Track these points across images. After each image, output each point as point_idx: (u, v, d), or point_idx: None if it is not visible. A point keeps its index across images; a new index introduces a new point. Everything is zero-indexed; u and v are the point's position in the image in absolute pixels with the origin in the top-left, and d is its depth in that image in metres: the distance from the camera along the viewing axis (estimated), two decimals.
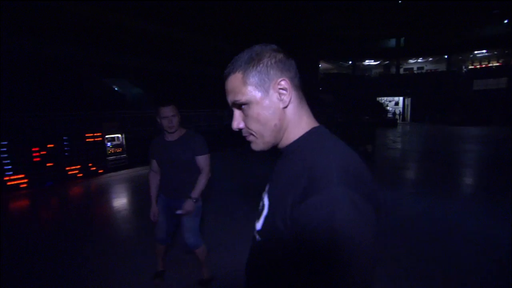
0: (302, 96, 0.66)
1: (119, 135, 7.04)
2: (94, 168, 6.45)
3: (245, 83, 0.62)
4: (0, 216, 4.10)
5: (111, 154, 6.85)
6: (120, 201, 4.92)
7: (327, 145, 0.59)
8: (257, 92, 0.61)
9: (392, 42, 30.45)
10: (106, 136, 6.76)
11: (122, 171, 6.81)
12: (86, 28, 12.40)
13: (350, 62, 32.52)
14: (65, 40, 11.67)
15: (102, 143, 6.65)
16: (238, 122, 0.66)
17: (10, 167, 5.29)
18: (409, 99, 25.67)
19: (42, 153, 5.68)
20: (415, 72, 30.72)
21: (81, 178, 6.18)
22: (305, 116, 0.65)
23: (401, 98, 26.14)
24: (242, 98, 0.62)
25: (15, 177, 5.34)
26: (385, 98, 26.54)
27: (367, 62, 32.73)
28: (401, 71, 31.08)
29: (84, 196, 5.31)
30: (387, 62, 31.57)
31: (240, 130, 0.67)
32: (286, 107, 0.63)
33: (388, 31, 29.54)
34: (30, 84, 9.04)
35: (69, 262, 2.70)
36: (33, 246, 3.06)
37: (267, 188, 0.69)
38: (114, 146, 6.93)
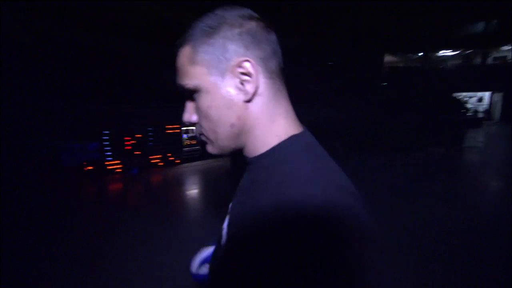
0: (282, 88, 0.45)
1: (194, 128, 7.55)
2: (172, 158, 7.07)
3: (193, 61, 0.43)
4: (101, 194, 4.84)
5: (187, 146, 7.42)
6: (194, 189, 5.36)
7: (306, 170, 0.39)
8: (208, 75, 0.43)
9: (476, 27, 26.18)
10: (183, 128, 7.34)
11: (196, 162, 7.33)
12: (154, 25, 13.47)
13: (420, 54, 29.15)
14: (142, 38, 12.87)
15: (180, 134, 7.24)
16: (189, 114, 0.48)
17: (110, 153, 6.14)
18: (500, 94, 21.96)
19: (132, 142, 6.44)
20: (510, 60, 25.87)
21: (161, 167, 6.85)
22: (282, 117, 0.45)
23: (486, 93, 22.55)
24: (189, 83, 0.44)
25: (113, 162, 6.18)
26: (464, 94, 23.22)
27: (441, 53, 28.90)
28: (489, 60, 26.60)
29: (163, 183, 5.91)
30: (469, 51, 27.40)
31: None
32: (249, 100, 0.43)
33: (475, 14, 25.44)
34: (122, 79, 10.28)
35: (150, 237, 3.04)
36: (125, 222, 3.53)
37: (229, 207, 0.50)
38: (189, 138, 7.49)
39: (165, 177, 6.21)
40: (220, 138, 0.45)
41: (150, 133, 6.74)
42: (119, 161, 6.23)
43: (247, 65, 0.42)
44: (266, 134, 0.45)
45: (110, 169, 6.11)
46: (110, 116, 6.42)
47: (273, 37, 0.45)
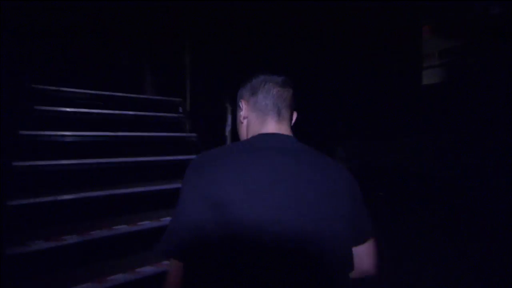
0: (267, 117, 0.74)
1: None
2: None
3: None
4: None
5: None
6: None
7: (217, 150, 0.70)
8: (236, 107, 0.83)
9: None
10: None
11: None
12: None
13: None
14: None
15: None
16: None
17: None
18: None
19: None
20: None
21: None
22: (257, 130, 0.75)
23: None
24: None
25: None
26: None
27: None
28: None
29: None
30: None
31: None
32: (242, 121, 0.80)
33: None
34: None
35: None
36: None
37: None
38: None
39: None
40: (239, 134, 0.84)
41: None
42: None
43: (241, 104, 0.79)
44: (248, 135, 0.78)
45: None
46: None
47: (274, 90, 0.75)
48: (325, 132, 4.74)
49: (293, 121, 0.79)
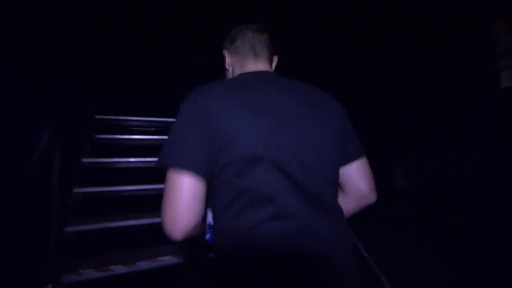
0: (247, 58, 0.82)
1: None
2: None
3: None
4: None
5: None
6: None
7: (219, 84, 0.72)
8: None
9: None
10: None
11: None
12: None
13: None
14: None
15: None
16: None
17: None
18: None
19: None
20: None
21: None
22: (240, 70, 0.83)
23: None
24: None
25: None
26: None
27: None
28: None
29: None
30: None
31: None
32: (228, 67, 0.88)
33: None
34: None
35: None
36: None
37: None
38: None
39: None
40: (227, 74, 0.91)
41: None
42: None
43: (224, 53, 0.89)
44: (234, 74, 0.86)
45: None
46: None
47: (249, 35, 0.84)
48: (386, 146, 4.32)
49: (274, 63, 0.88)
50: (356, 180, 0.74)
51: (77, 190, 1.75)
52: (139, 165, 2.17)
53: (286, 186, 0.60)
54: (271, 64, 0.86)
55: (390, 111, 4.62)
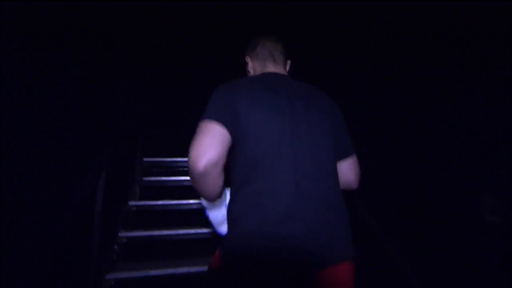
0: (267, 62, 0.99)
1: None
2: None
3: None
4: None
5: None
6: None
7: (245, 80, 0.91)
8: None
9: None
10: None
11: None
12: None
13: None
14: None
15: None
16: None
17: None
18: None
19: None
20: None
21: None
22: (260, 71, 0.99)
23: None
24: None
25: None
26: None
27: None
28: None
29: None
30: None
31: None
32: (250, 70, 1.05)
33: None
34: None
35: None
36: None
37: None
38: None
39: None
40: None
41: None
42: None
43: (247, 59, 1.05)
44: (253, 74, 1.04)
45: None
46: None
47: (268, 43, 1.01)
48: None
49: (288, 66, 1.05)
50: (347, 173, 0.90)
51: (122, 234, 1.72)
52: (188, 207, 2.11)
53: (295, 178, 0.73)
54: (285, 67, 1.03)
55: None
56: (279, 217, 0.68)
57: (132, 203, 1.92)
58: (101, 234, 1.43)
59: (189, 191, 2.26)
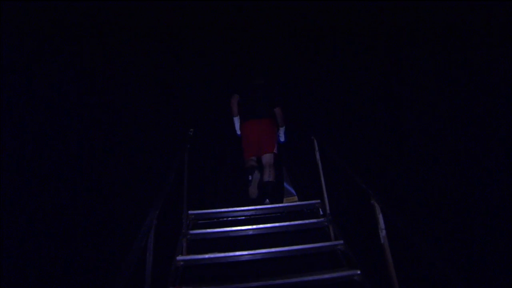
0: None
1: None
2: None
3: None
4: None
5: None
6: None
7: None
8: None
9: None
10: None
11: None
12: None
13: None
14: None
15: None
16: None
17: None
18: None
19: None
20: None
21: None
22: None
23: None
24: None
25: None
26: None
27: None
28: None
29: None
30: None
31: None
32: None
33: None
34: None
35: None
36: None
37: None
38: None
39: None
40: None
41: None
42: None
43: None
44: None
45: None
46: None
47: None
48: None
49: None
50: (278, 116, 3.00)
51: None
52: (235, 259, 2.05)
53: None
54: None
55: None
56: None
57: (179, 257, 1.94)
58: None
59: (236, 241, 2.22)
